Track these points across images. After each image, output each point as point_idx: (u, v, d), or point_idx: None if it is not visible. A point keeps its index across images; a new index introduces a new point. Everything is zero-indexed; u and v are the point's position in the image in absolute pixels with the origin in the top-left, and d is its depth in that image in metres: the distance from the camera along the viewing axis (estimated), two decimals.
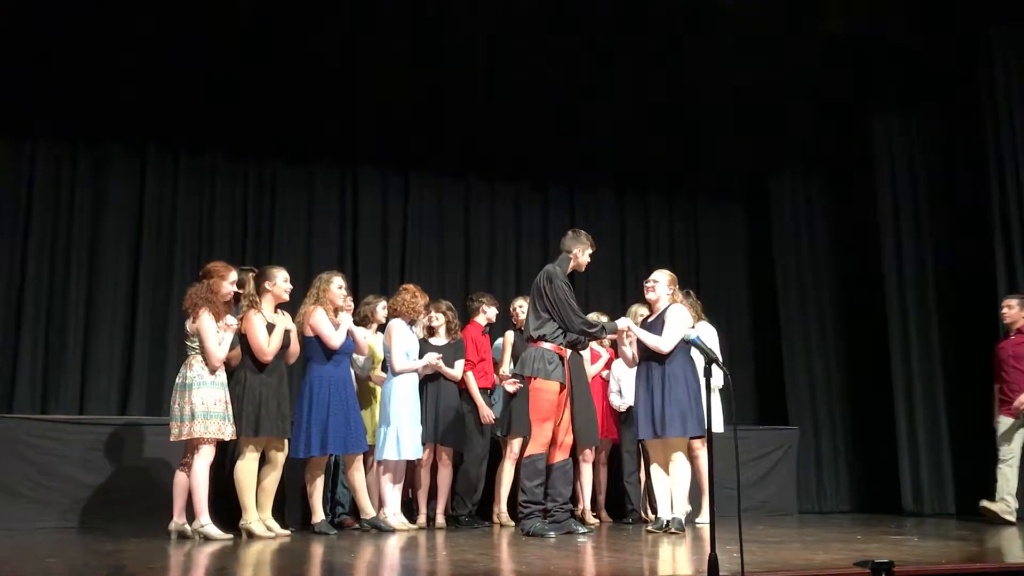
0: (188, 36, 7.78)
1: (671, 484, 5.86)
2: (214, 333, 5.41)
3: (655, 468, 5.95)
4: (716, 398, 6.42)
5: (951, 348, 8.23)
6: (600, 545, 5.15)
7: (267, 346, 5.55)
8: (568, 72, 8.78)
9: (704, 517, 6.52)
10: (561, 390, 5.63)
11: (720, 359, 3.85)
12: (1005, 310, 7.18)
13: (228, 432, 5.38)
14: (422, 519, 6.38)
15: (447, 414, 6.35)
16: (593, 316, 7.11)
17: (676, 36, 8.59)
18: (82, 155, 7.71)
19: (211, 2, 7.75)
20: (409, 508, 6.50)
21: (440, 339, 6.53)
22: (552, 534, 5.42)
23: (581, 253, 5.88)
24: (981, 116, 7.95)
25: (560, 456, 5.66)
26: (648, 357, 5.87)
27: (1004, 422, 7.00)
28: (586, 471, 6.89)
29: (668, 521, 5.74)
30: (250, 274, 5.91)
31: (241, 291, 5.73)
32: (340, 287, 5.98)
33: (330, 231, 8.40)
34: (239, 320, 5.60)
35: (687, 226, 9.59)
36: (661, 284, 6.07)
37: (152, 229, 7.84)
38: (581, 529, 5.64)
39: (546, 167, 9.02)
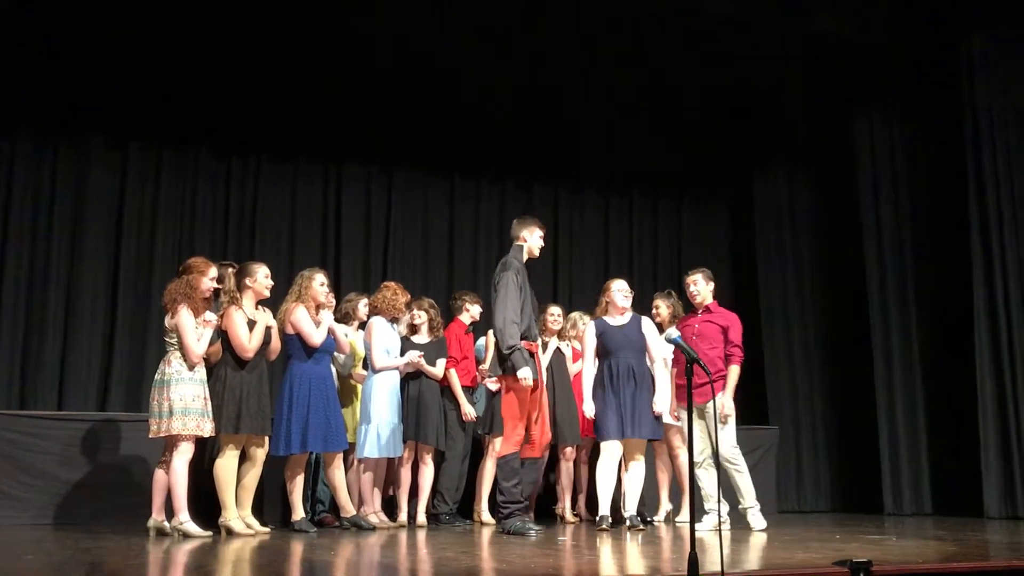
0: (170, 31, 7.72)
1: (634, 482, 6.04)
2: (193, 329, 5.38)
3: (609, 465, 6.04)
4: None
5: (931, 349, 8.29)
6: (580, 543, 5.15)
7: (248, 343, 5.52)
8: (553, 71, 8.77)
9: (684, 516, 6.55)
10: (534, 388, 5.61)
11: (700, 359, 3.85)
12: None
13: (207, 429, 5.35)
14: (403, 517, 6.36)
15: (429, 412, 6.34)
16: (575, 315, 7.14)
17: (661, 36, 8.60)
18: (63, 149, 7.66)
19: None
20: (390, 506, 6.49)
21: (422, 337, 6.52)
22: (533, 533, 5.43)
23: (530, 236, 5.82)
24: (962, 119, 8.01)
25: (530, 453, 5.65)
26: (620, 357, 5.95)
27: None
28: (566, 469, 6.90)
29: (630, 518, 5.95)
30: (229, 269, 5.88)
31: (220, 286, 5.71)
32: (322, 284, 5.96)
33: (313, 228, 8.38)
34: (219, 316, 5.57)
35: (671, 226, 9.63)
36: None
37: (133, 224, 7.80)
38: (532, 527, 5.60)
39: (531, 166, 9.04)
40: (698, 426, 6.07)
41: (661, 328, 6.73)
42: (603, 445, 6.11)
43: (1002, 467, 7.52)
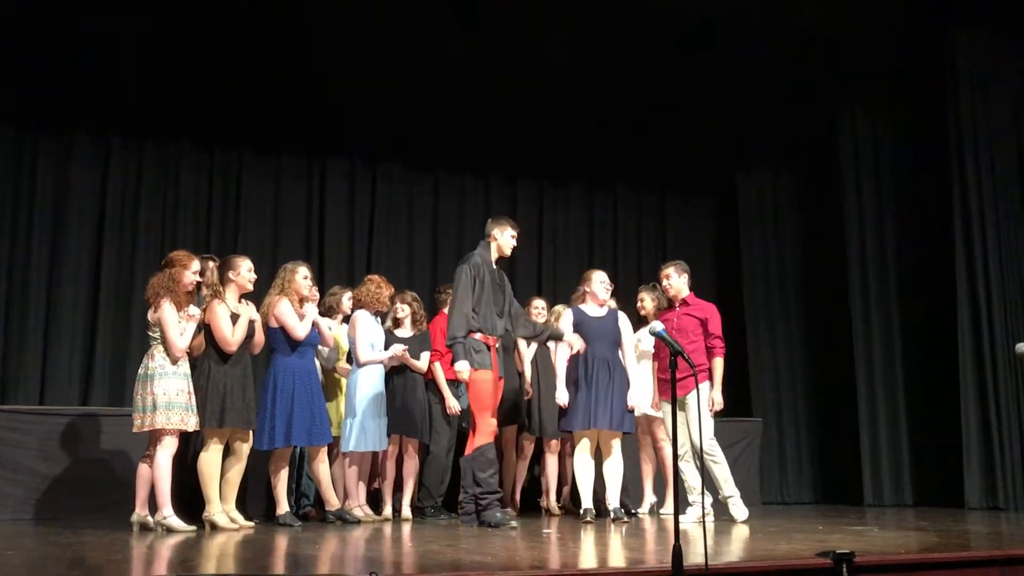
0: (153, 23, 7.67)
1: (613, 475, 6.10)
2: (176, 323, 5.35)
3: (585, 457, 6.09)
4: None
5: (912, 343, 8.36)
6: (565, 535, 5.17)
7: (231, 336, 5.50)
8: (538, 67, 8.77)
9: (668, 508, 6.58)
10: (493, 377, 5.60)
11: (684, 351, 3.86)
12: None
13: (191, 423, 5.33)
14: (387, 511, 6.36)
15: (413, 406, 6.33)
16: (559, 308, 7.14)
17: (646, 32, 8.61)
18: (44, 142, 7.59)
19: None
20: (374, 500, 6.48)
21: (406, 331, 6.51)
22: (515, 524, 5.43)
23: (501, 235, 5.82)
24: (945, 116, 8.06)
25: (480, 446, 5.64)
26: (595, 348, 6.00)
27: None
28: (551, 462, 6.92)
29: (614, 510, 6.02)
30: (211, 262, 5.85)
31: (201, 279, 5.68)
32: (306, 277, 5.93)
33: (296, 221, 8.35)
34: (202, 310, 5.54)
35: (655, 221, 9.64)
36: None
37: (115, 217, 7.75)
38: (505, 520, 5.61)
39: (515, 161, 9.03)
40: (680, 419, 6.07)
41: (646, 321, 6.75)
42: (576, 437, 6.14)
43: (983, 458, 7.60)
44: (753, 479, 8.20)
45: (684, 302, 6.24)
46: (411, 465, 6.38)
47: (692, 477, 6.16)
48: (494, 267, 5.79)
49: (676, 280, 6.24)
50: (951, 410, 7.78)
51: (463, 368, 5.49)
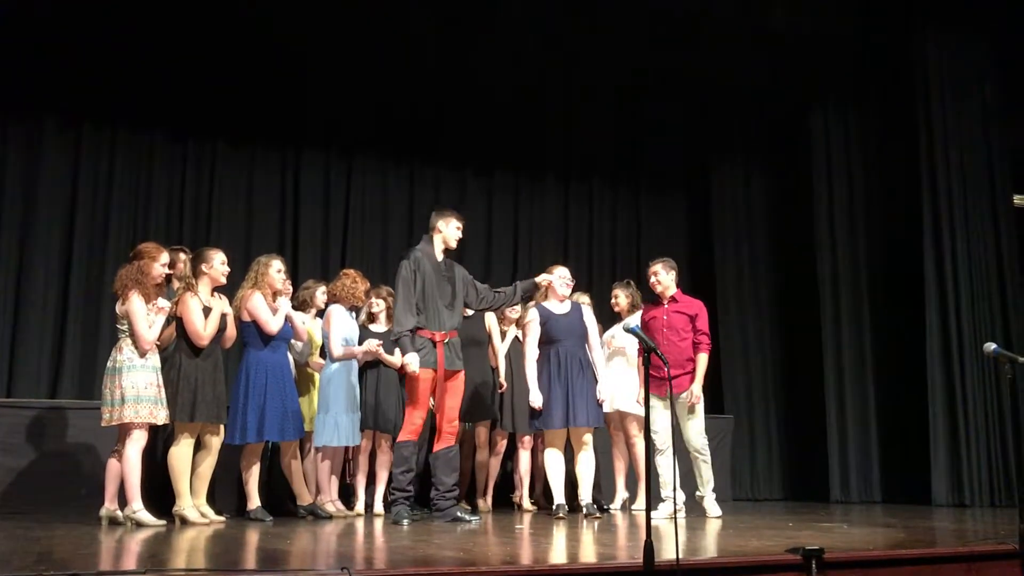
0: (127, 11, 7.58)
1: (585, 470, 6.11)
2: (144, 315, 5.29)
3: (556, 453, 6.10)
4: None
5: (882, 340, 8.43)
6: (538, 531, 5.18)
7: (203, 330, 5.45)
8: (513, 60, 8.76)
9: (640, 504, 6.61)
10: (435, 376, 5.55)
11: (657, 348, 3.88)
12: None
13: (161, 416, 5.28)
14: (360, 506, 6.34)
15: (387, 401, 6.31)
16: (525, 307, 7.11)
17: (622, 27, 8.62)
18: (13, 129, 7.48)
19: None
20: (346, 494, 6.46)
21: (380, 326, 6.48)
22: (405, 521, 5.40)
23: (446, 227, 5.75)
24: (914, 114, 8.15)
25: (443, 444, 5.64)
26: (565, 345, 6.01)
27: None
28: (523, 457, 6.93)
29: (586, 506, 6.02)
30: (181, 254, 5.79)
31: (172, 271, 5.62)
32: (279, 271, 5.89)
33: (270, 214, 8.30)
34: (174, 303, 5.49)
35: (629, 213, 9.69)
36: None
37: (87, 207, 7.66)
38: (467, 517, 5.62)
39: (491, 153, 9.02)
40: (666, 415, 6.09)
41: (620, 317, 6.76)
42: (548, 434, 6.14)
43: (950, 456, 7.69)
44: (725, 475, 8.25)
45: (673, 299, 6.25)
46: (384, 460, 6.36)
47: (667, 472, 6.18)
48: (439, 259, 5.70)
49: (664, 277, 6.25)
50: (919, 408, 7.87)
51: (411, 360, 5.42)
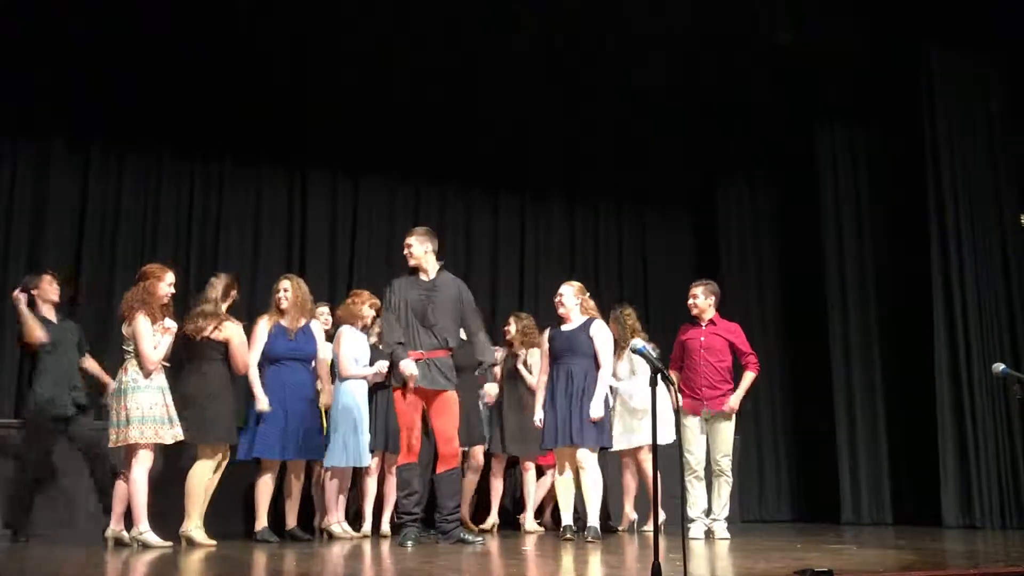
0: (135, 33, 7.63)
1: (591, 491, 5.97)
2: (150, 336, 5.30)
3: (565, 474, 6.06)
4: (665, 407, 6.37)
5: (891, 359, 8.41)
6: (544, 553, 5.15)
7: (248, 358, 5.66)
8: (519, 80, 8.78)
9: (649, 525, 6.57)
10: (411, 393, 5.48)
11: (665, 369, 3.85)
12: None
13: (167, 436, 5.28)
14: (367, 527, 6.32)
15: (396, 422, 6.28)
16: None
17: (627, 47, 8.65)
18: (23, 151, 7.52)
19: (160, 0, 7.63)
20: (354, 516, 6.43)
21: None
22: (410, 543, 5.34)
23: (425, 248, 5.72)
24: (921, 129, 8.16)
25: (444, 466, 5.59)
26: (563, 362, 5.97)
27: None
28: (529, 479, 6.90)
29: (587, 529, 5.91)
30: (215, 279, 5.77)
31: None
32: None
33: (277, 233, 8.32)
34: (213, 328, 5.51)
35: (636, 233, 9.68)
36: (568, 296, 6.12)
37: (95, 228, 7.68)
38: (470, 538, 5.55)
39: (497, 173, 9.04)
40: (702, 439, 6.18)
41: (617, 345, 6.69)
42: (555, 454, 6.10)
43: (959, 477, 7.64)
44: (733, 496, 8.18)
45: (711, 322, 6.32)
46: (392, 482, 6.33)
47: (700, 495, 6.20)
48: (418, 279, 5.67)
49: (702, 300, 6.33)
50: (929, 428, 7.83)
51: (407, 367, 5.38)
